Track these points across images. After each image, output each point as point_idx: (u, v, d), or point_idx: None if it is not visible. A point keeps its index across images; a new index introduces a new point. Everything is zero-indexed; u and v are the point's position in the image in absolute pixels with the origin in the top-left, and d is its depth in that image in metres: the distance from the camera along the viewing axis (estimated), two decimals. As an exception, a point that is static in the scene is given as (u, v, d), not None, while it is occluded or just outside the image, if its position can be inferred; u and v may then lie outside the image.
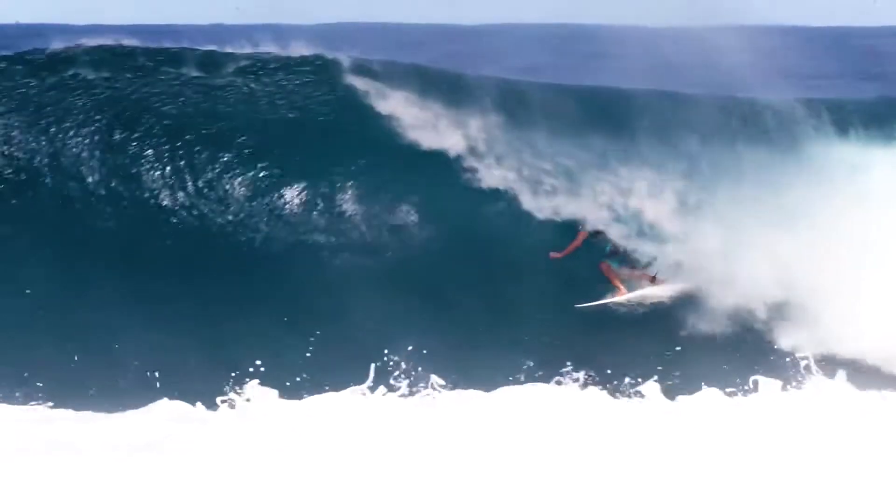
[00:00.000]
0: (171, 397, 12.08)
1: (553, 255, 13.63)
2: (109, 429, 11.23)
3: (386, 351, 12.88)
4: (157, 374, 12.56)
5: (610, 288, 13.69)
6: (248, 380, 12.46)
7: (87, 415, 11.83)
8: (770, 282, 13.24)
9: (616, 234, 13.83)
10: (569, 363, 12.93)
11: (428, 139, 15.06)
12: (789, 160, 14.22)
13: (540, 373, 12.93)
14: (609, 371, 12.85)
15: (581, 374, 12.84)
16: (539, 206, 14.38)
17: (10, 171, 15.07)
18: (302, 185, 14.93)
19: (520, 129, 14.96)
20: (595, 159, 14.52)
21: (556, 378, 12.82)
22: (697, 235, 13.62)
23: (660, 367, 12.89)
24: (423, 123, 15.19)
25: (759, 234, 13.30)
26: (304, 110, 15.93)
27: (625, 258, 13.77)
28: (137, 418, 11.62)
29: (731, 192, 13.82)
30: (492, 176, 14.67)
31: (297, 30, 19.11)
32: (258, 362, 12.54)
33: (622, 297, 13.64)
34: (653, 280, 13.69)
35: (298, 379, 12.58)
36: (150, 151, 15.14)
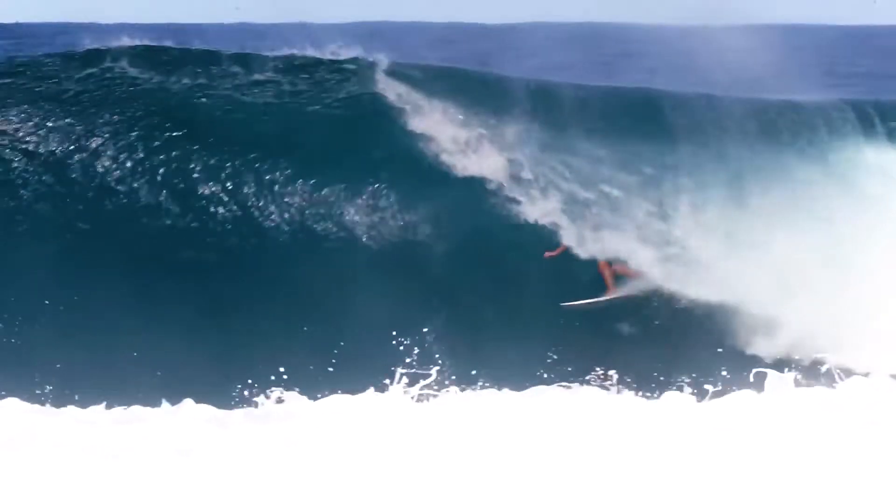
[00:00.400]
0: (198, 400, 12.00)
1: (548, 253, 14.10)
2: (139, 432, 11.22)
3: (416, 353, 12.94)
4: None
5: (603, 287, 13.94)
6: (272, 386, 12.39)
7: (119, 416, 11.84)
8: (820, 325, 13.16)
9: (658, 274, 14.03)
10: (599, 368, 12.92)
11: (465, 163, 15.12)
12: (837, 173, 14.11)
13: (571, 372, 12.97)
14: (642, 375, 12.85)
15: (614, 375, 12.82)
16: (581, 236, 14.39)
17: (43, 159, 15.15)
18: (334, 191, 14.96)
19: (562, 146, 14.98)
20: (638, 186, 14.55)
21: (589, 379, 12.87)
22: (744, 275, 13.55)
23: (694, 374, 12.83)
24: (463, 145, 15.24)
25: (811, 273, 13.21)
26: (346, 107, 15.98)
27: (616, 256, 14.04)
28: (166, 422, 11.61)
29: (781, 228, 13.80)
30: (534, 207, 14.78)
31: (315, 29, 19.12)
32: (281, 369, 12.51)
33: (608, 296, 13.76)
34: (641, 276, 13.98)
35: (323, 386, 12.46)
36: (175, 152, 15.23)
